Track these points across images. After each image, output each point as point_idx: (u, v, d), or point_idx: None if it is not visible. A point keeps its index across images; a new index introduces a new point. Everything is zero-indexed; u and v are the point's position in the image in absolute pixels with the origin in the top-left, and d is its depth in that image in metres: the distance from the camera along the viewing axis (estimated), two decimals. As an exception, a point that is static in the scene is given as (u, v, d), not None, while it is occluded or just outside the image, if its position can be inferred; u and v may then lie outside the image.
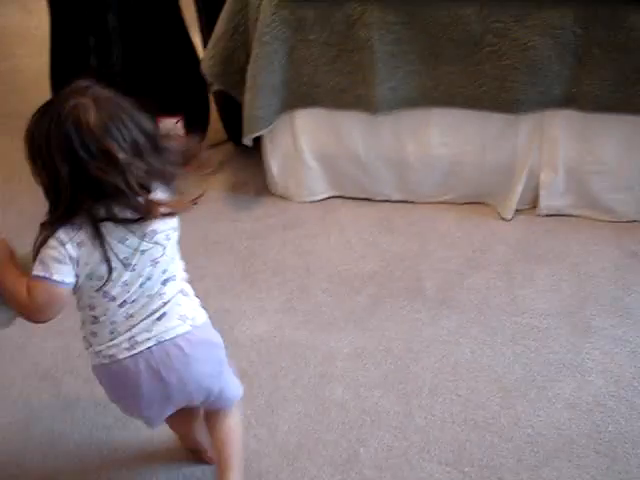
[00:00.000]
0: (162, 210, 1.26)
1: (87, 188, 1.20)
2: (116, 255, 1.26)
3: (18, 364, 1.93)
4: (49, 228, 1.25)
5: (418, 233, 2.31)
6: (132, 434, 1.71)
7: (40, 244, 1.25)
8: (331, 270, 2.18)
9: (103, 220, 1.23)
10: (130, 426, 1.70)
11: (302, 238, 2.30)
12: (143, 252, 1.28)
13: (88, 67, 2.38)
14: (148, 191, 1.24)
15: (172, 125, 2.41)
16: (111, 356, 1.34)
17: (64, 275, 1.24)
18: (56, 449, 1.70)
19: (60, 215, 1.23)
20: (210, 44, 2.26)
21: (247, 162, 2.59)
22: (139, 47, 2.35)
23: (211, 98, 2.58)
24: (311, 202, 2.42)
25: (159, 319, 1.34)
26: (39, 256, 1.25)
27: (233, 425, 1.53)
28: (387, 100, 2.14)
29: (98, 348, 1.34)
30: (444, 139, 2.28)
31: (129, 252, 1.27)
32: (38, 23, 3.71)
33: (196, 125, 2.48)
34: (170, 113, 2.42)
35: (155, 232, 1.29)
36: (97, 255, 1.25)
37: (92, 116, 1.20)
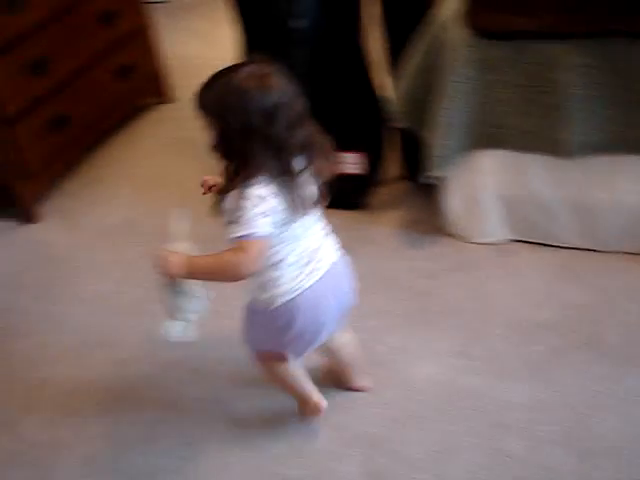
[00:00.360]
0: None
1: (273, 145, 1.39)
2: (294, 201, 1.43)
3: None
4: (239, 189, 1.40)
5: (602, 283, 2.20)
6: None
7: (237, 205, 1.39)
8: (507, 316, 2.12)
9: (286, 174, 1.41)
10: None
11: (478, 281, 2.25)
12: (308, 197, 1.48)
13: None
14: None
15: (353, 160, 2.45)
16: (298, 289, 1.53)
17: (267, 228, 1.40)
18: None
19: (248, 174, 1.39)
20: (399, 82, 2.28)
21: (423, 200, 2.57)
22: (323, 83, 2.39)
23: (387, 135, 2.59)
24: (489, 244, 2.37)
25: (320, 250, 1.56)
26: (243, 216, 1.38)
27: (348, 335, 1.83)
28: (579, 145, 2.07)
29: (284, 288, 1.52)
30: (635, 186, 2.17)
31: (303, 198, 1.45)
32: (219, 54, 3.87)
33: (373, 161, 2.50)
34: (349, 148, 2.46)
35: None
36: (281, 202, 1.41)
37: (276, 81, 1.40)
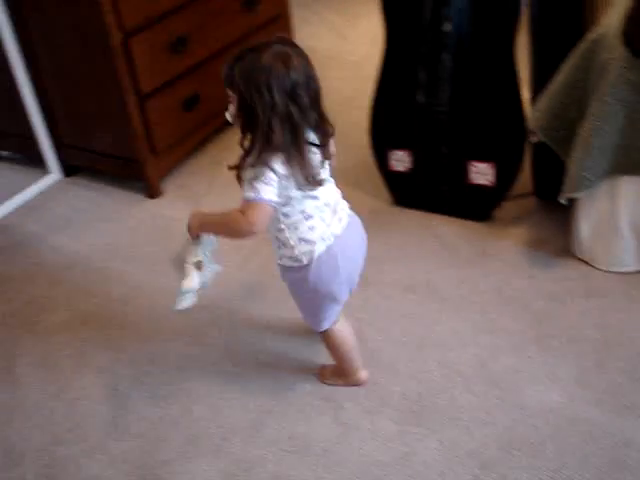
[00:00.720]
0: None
1: (290, 122, 1.53)
2: (302, 176, 1.59)
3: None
4: (255, 160, 1.55)
5: None
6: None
7: (249, 171, 1.57)
8: (633, 350, 2.02)
9: (298, 149, 1.56)
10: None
11: (604, 309, 2.15)
12: (324, 163, 1.66)
13: (413, 101, 2.40)
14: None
15: (485, 170, 2.38)
16: (331, 235, 1.70)
17: (271, 195, 1.57)
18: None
19: (264, 147, 1.54)
20: (543, 96, 2.20)
21: (550, 219, 2.49)
22: (467, 89, 2.34)
23: (524, 150, 2.51)
24: (618, 273, 2.26)
25: (337, 211, 1.73)
26: (253, 182, 1.56)
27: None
28: None
29: (322, 235, 1.68)
30: None
31: (318, 163, 1.64)
32: (352, 49, 3.86)
33: (505, 174, 2.43)
34: (483, 158, 2.39)
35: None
36: (291, 172, 1.57)
37: (298, 62, 1.52)
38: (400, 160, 2.55)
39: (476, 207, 2.51)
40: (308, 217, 1.66)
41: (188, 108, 2.89)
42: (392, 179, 2.61)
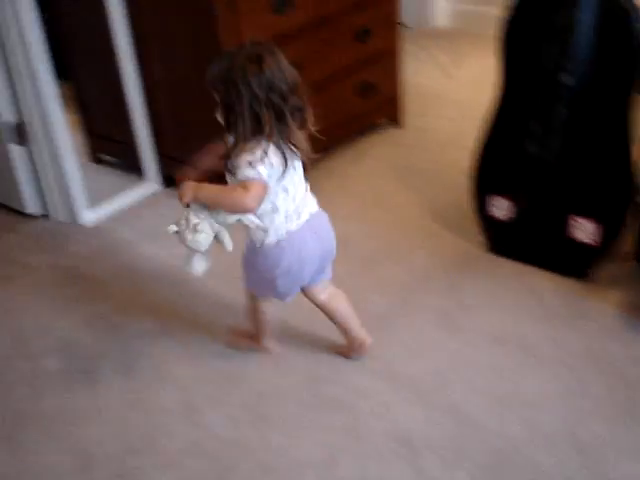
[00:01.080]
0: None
1: (273, 110, 1.72)
2: (287, 159, 1.77)
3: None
4: (247, 148, 1.73)
5: None
6: None
7: (246, 158, 1.72)
8: None
9: (283, 134, 1.76)
10: None
11: (702, 386, 2.05)
12: (296, 157, 1.83)
13: (522, 149, 2.35)
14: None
15: (588, 227, 2.31)
16: (287, 231, 1.86)
17: (266, 176, 1.73)
18: None
19: (250, 132, 1.73)
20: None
21: (652, 285, 2.39)
22: (577, 142, 2.27)
23: (630, 211, 2.42)
24: None
25: (303, 202, 1.89)
26: (250, 164, 1.71)
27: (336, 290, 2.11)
28: None
29: (277, 230, 1.85)
30: None
31: (294, 158, 1.81)
32: (457, 88, 3.83)
33: (607, 233, 2.35)
34: (586, 214, 2.32)
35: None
36: (279, 159, 1.75)
37: (270, 60, 1.73)
38: (500, 207, 2.49)
39: (574, 263, 2.43)
40: (275, 210, 1.83)
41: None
42: (490, 225, 2.56)
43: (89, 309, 2.48)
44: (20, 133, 2.86)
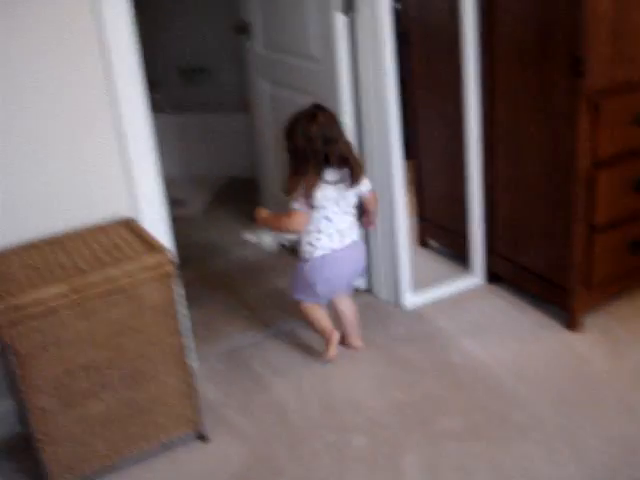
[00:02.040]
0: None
1: (315, 157, 2.37)
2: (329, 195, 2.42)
3: None
4: (296, 181, 2.41)
5: None
6: None
7: (293, 189, 2.42)
8: None
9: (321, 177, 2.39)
10: None
11: None
12: (343, 197, 2.46)
13: None
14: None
15: None
16: (331, 249, 2.50)
17: (305, 207, 2.42)
18: None
19: (302, 176, 2.40)
20: None
21: None
22: None
23: None
24: None
25: (347, 230, 2.52)
26: (295, 198, 2.42)
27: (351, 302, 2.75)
28: None
29: (320, 246, 2.49)
30: None
31: (335, 195, 2.44)
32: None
33: None
34: None
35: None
36: (321, 195, 2.40)
37: (322, 118, 2.39)
38: None
39: None
40: (319, 231, 2.48)
41: (634, 251, 2.73)
42: None
43: (399, 395, 2.49)
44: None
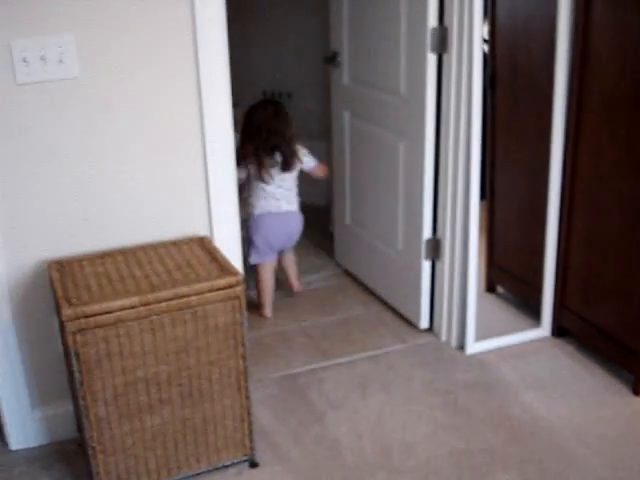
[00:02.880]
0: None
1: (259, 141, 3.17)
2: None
3: None
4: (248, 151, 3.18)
5: None
6: None
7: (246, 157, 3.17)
8: None
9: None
10: None
11: None
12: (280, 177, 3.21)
13: None
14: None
15: None
16: (264, 211, 3.22)
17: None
18: None
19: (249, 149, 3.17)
20: None
21: None
22: None
23: None
24: None
25: (287, 200, 3.25)
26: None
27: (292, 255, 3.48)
28: None
29: (258, 208, 3.23)
30: None
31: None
32: None
33: None
34: None
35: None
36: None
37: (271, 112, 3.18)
38: None
39: None
40: (257, 195, 3.21)
41: None
42: None
43: (455, 442, 2.44)
44: (435, 249, 2.97)
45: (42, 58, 2.12)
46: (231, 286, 2.12)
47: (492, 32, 3.12)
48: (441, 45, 2.71)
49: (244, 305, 2.17)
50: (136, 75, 2.24)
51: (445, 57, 2.73)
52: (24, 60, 2.10)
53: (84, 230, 2.32)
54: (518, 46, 3.01)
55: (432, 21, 2.70)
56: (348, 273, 3.67)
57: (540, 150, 2.88)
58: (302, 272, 3.63)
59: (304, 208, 3.35)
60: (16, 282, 2.28)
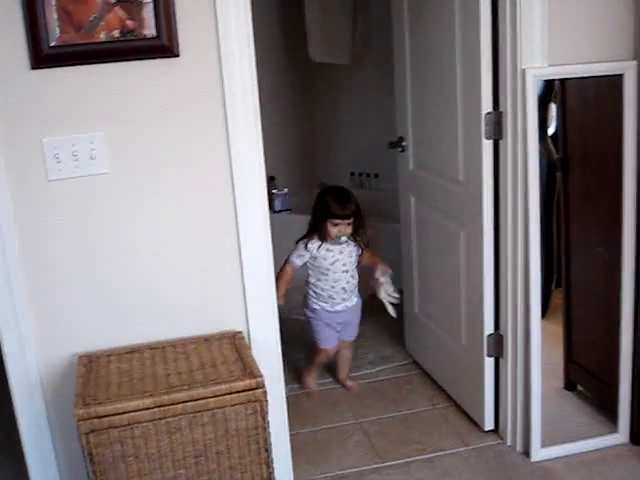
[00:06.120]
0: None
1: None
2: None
3: None
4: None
5: None
6: None
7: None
8: None
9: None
10: None
11: None
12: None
13: None
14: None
15: None
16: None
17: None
18: None
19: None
20: None
21: None
22: None
23: None
24: None
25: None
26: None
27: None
28: None
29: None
30: None
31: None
32: None
33: None
34: None
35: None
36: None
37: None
38: None
39: None
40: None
41: None
42: None
43: None
44: (498, 344, 2.78)
45: (74, 154, 2.13)
46: (251, 389, 2.02)
47: (563, 114, 2.95)
48: (497, 132, 2.58)
49: (267, 409, 2.06)
50: (168, 170, 2.22)
51: (501, 143, 2.59)
52: (56, 157, 2.12)
53: (117, 324, 2.29)
54: (588, 129, 2.83)
55: (486, 106, 2.57)
56: (417, 364, 3.49)
57: (614, 236, 2.66)
58: (371, 362, 3.50)
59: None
60: (49, 375, 2.27)
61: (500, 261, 2.72)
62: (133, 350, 2.26)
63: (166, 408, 1.97)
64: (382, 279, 3.17)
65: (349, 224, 3.03)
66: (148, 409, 1.96)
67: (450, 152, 2.85)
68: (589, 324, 3.01)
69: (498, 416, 2.89)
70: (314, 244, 3.10)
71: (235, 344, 2.26)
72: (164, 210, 2.25)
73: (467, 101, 2.68)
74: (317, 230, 3.09)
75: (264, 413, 2.06)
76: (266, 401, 2.05)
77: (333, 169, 5.16)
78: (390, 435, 2.94)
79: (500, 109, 2.56)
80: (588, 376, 3.06)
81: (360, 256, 3.18)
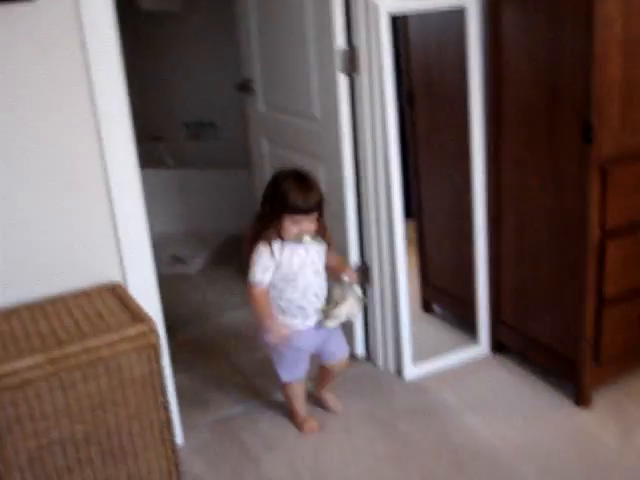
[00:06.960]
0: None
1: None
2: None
3: None
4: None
5: None
6: None
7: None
8: None
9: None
10: None
11: None
12: None
13: None
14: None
15: None
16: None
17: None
18: None
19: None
20: None
21: None
22: None
23: None
24: None
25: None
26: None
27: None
28: None
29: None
30: None
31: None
32: None
33: None
34: None
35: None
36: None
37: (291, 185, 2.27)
38: None
39: None
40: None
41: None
42: None
43: (397, 475, 2.35)
44: (365, 274, 2.89)
45: None
46: (144, 335, 2.00)
47: (406, 50, 3.07)
48: (351, 66, 2.65)
49: (160, 352, 2.04)
50: (32, 121, 2.11)
51: (357, 78, 2.66)
52: None
53: (-15, 287, 2.17)
54: (432, 63, 2.96)
55: (340, 42, 2.63)
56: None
57: (463, 165, 2.83)
58: (230, 308, 3.51)
59: (230, 238, 3.20)
60: None
61: (361, 194, 2.81)
62: (9, 312, 2.15)
63: (58, 364, 1.91)
64: (350, 290, 2.42)
65: (312, 220, 2.30)
66: (40, 367, 1.89)
67: (305, 90, 2.89)
68: (442, 248, 3.20)
69: (368, 342, 3.01)
70: (277, 248, 2.32)
71: (117, 295, 2.21)
72: (28, 164, 2.14)
73: (320, 38, 2.72)
74: (268, 227, 2.31)
75: (158, 357, 2.04)
76: (159, 345, 2.04)
77: (167, 122, 5.06)
78: (264, 375, 2.96)
79: (354, 44, 2.62)
80: (445, 296, 3.27)
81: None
